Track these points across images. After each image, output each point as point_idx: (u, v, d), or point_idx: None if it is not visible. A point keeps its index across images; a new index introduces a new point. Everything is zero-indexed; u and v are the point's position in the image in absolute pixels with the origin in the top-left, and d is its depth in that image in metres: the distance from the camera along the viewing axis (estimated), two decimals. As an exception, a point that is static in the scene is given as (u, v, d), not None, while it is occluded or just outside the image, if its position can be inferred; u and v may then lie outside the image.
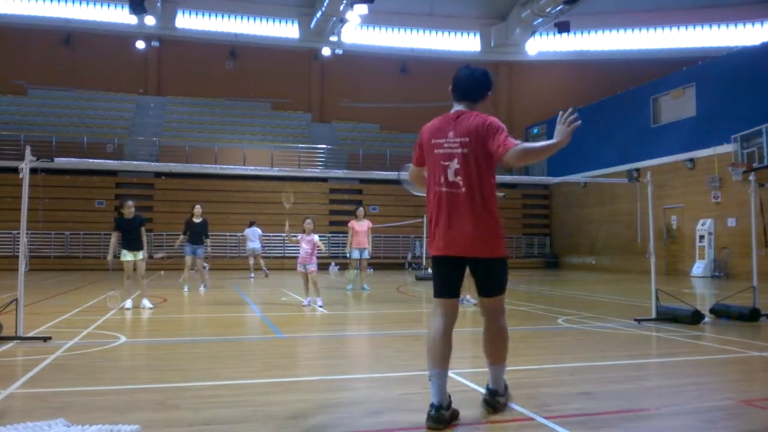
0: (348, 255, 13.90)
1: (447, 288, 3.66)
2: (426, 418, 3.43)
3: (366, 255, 13.54)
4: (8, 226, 21.98)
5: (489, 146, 3.51)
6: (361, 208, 13.71)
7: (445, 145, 3.60)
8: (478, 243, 3.54)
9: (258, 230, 19.02)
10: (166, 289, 13.76)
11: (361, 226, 13.43)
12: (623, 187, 22.46)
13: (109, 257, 9.62)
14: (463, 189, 3.54)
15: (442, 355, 3.54)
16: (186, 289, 13.05)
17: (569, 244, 28.32)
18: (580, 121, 3.34)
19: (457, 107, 3.73)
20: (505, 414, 3.70)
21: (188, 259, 13.36)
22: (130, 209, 9.67)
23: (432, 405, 3.45)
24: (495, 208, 3.58)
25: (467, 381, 4.49)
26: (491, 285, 3.67)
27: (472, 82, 3.73)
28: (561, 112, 3.38)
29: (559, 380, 4.68)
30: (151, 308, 9.52)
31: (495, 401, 3.72)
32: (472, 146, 3.54)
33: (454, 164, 3.56)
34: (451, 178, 3.57)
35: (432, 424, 3.41)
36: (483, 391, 3.89)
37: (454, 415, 3.53)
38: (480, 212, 3.53)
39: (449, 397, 3.54)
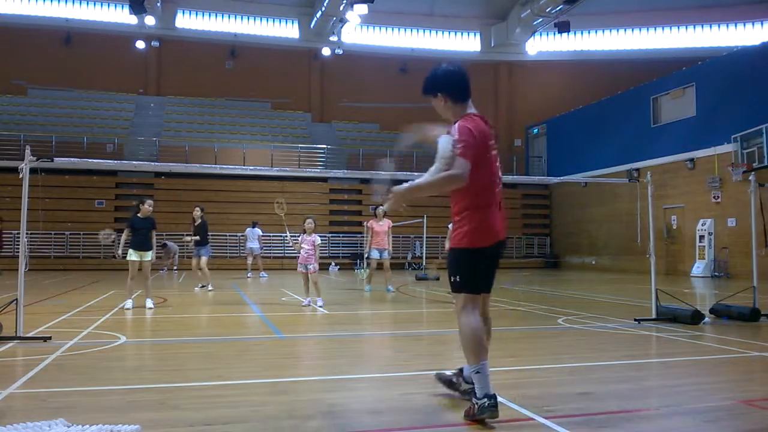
0: (367, 255, 13.76)
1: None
2: (481, 409, 3.41)
3: (386, 255, 13.29)
4: (8, 226, 21.97)
5: None
6: (381, 208, 13.25)
7: (494, 146, 3.82)
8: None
9: (258, 231, 19.10)
10: (166, 289, 13.78)
11: (380, 226, 13.22)
12: (623, 187, 22.46)
13: (119, 251, 9.74)
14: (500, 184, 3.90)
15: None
16: (198, 288, 13.49)
17: (569, 244, 28.32)
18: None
19: (472, 107, 3.82)
20: (505, 414, 3.68)
21: (194, 260, 13.73)
22: (148, 207, 9.69)
23: (487, 395, 3.43)
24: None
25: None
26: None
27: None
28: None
29: (559, 380, 4.67)
30: (151, 308, 9.52)
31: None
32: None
33: (498, 163, 3.85)
34: (501, 176, 3.88)
35: (496, 413, 3.41)
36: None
37: None
38: None
39: None
